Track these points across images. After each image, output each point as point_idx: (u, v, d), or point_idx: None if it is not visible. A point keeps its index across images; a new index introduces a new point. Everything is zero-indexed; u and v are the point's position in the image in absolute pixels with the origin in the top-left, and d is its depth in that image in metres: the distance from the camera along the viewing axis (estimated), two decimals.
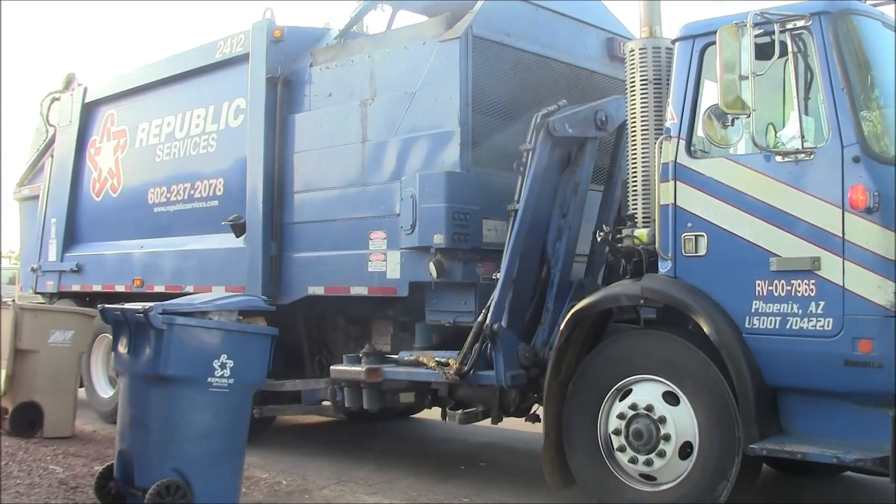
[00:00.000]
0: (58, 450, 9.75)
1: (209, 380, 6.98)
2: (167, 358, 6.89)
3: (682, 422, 6.72)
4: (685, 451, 6.72)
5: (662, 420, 6.75)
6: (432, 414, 11.24)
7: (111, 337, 11.33)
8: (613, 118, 8.56)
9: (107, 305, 7.54)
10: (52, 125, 14.08)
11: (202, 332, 7.08)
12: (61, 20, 60.22)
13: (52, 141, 14.02)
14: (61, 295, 13.38)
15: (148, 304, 7.04)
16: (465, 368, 8.03)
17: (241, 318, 7.46)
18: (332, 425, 12.20)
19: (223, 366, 7.02)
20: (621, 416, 6.97)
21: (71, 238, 13.24)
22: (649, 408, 6.81)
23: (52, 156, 13.88)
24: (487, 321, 7.84)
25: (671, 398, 6.79)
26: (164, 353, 6.89)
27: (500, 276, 7.96)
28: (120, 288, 11.98)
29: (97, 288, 12.48)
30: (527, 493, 8.47)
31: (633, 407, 6.90)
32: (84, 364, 12.41)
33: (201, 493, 6.94)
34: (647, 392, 6.91)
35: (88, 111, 13.22)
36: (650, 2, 7.90)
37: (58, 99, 14.01)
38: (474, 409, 8.49)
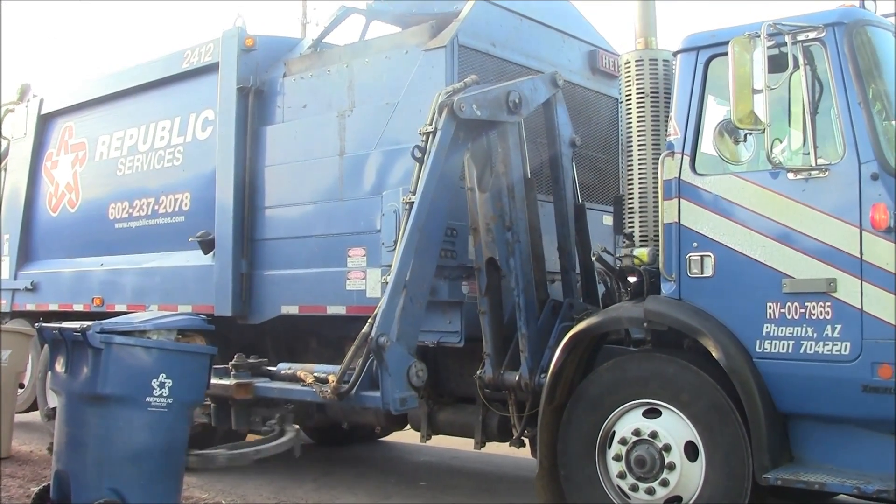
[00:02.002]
0: None
1: (147, 399, 6.92)
2: (105, 377, 6.84)
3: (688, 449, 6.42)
4: None
5: (667, 448, 6.45)
6: (399, 437, 11.06)
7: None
8: (528, 101, 7.86)
9: (44, 324, 7.50)
10: (5, 138, 13.66)
11: (140, 352, 7.03)
12: (14, 28, 59.22)
13: (5, 154, 13.61)
14: (14, 314, 12.87)
15: (86, 323, 6.98)
16: (345, 387, 7.24)
17: (180, 336, 7.39)
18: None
19: (162, 385, 6.96)
20: (623, 442, 6.65)
21: (25, 255, 12.75)
22: (653, 434, 6.51)
23: (5, 169, 13.47)
24: (373, 333, 7.01)
25: (676, 424, 6.47)
26: (101, 372, 6.83)
27: (390, 279, 7.15)
28: (78, 307, 11.51)
29: (53, 307, 12.01)
30: None
31: (636, 433, 6.59)
32: (39, 387, 12.04)
33: None
34: (649, 418, 6.60)
35: (44, 123, 12.77)
36: (645, 13, 7.64)
37: (12, 111, 13.60)
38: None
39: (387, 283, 7.27)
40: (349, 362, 7.31)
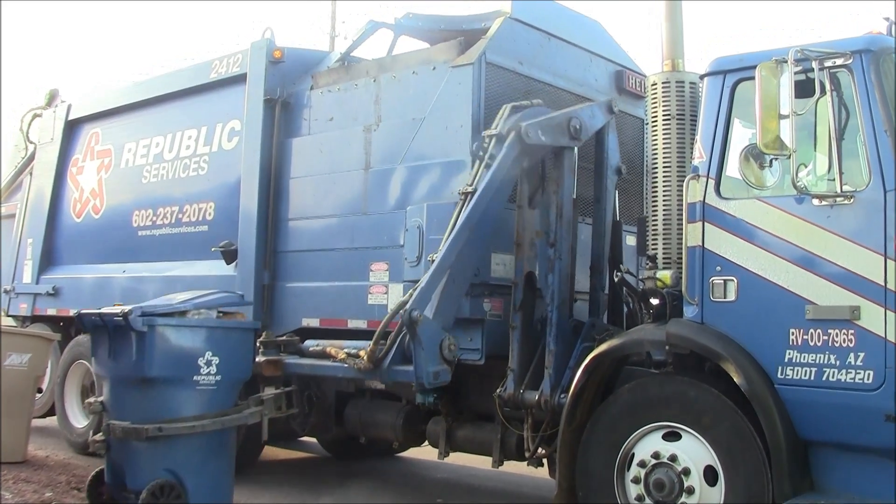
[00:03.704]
0: (8, 475, 9.53)
1: (195, 378, 7.09)
2: (151, 360, 6.98)
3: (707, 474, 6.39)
4: None
5: (686, 472, 6.41)
6: (417, 453, 11.04)
7: (86, 364, 11.22)
8: (587, 127, 8.02)
9: (84, 311, 7.65)
10: (32, 142, 13.70)
11: (184, 332, 7.21)
12: (44, 33, 59.69)
13: (31, 158, 13.62)
14: (35, 319, 12.92)
15: (126, 307, 7.09)
16: (380, 356, 7.38)
17: (221, 314, 7.52)
18: (288, 457, 11.96)
19: (209, 363, 7.13)
20: (642, 465, 6.63)
21: (48, 260, 12.79)
22: (673, 458, 6.48)
23: (30, 174, 13.47)
24: (408, 307, 7.10)
25: (696, 448, 6.44)
26: (147, 355, 7.02)
27: (436, 261, 7.30)
28: None
29: (74, 312, 11.98)
30: None
31: (656, 455, 6.56)
32: (57, 392, 12.08)
33: (195, 492, 6.96)
34: (669, 441, 6.56)
35: (71, 129, 12.82)
36: (673, 35, 7.63)
37: (39, 115, 13.62)
38: None
39: (432, 261, 7.39)
40: (382, 329, 7.40)
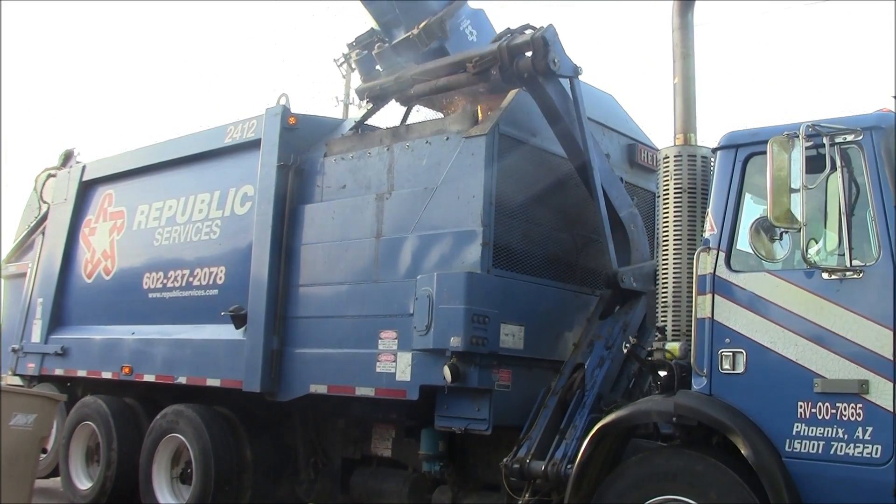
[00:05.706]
0: None
1: None
2: None
3: None
4: None
5: None
6: None
7: (92, 425, 11.21)
8: None
9: None
10: (45, 202, 13.76)
11: None
12: (61, 93, 60.26)
13: (44, 218, 13.69)
14: (42, 378, 12.89)
15: None
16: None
17: None
18: None
19: None
20: None
21: (57, 320, 12.79)
22: None
23: (43, 233, 13.54)
24: None
25: None
26: None
27: None
28: (107, 374, 11.55)
29: (82, 373, 12.06)
30: None
31: None
32: (62, 453, 12.04)
33: None
34: None
35: (85, 190, 12.90)
36: (686, 109, 7.70)
37: (54, 175, 13.70)
38: None
39: None
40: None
